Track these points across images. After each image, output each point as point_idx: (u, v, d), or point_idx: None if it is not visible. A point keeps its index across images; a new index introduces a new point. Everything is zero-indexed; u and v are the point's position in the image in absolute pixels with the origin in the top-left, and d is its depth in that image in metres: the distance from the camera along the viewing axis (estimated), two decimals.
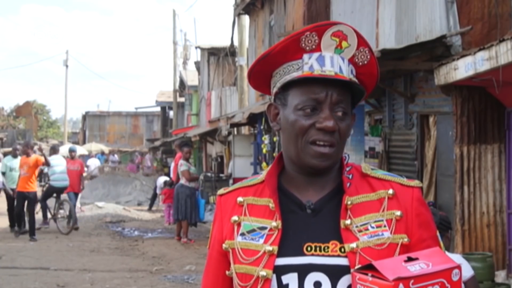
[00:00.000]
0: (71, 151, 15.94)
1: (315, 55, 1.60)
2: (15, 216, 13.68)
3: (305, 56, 1.60)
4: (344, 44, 1.61)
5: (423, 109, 8.58)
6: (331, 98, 1.56)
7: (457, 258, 3.61)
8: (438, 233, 1.64)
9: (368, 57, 1.63)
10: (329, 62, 1.59)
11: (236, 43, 19.15)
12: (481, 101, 7.04)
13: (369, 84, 1.69)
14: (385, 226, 1.56)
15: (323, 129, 1.55)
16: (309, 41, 1.60)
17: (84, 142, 47.53)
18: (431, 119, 8.46)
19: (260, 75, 1.69)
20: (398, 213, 1.57)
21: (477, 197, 7.11)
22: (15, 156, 14.20)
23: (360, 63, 1.63)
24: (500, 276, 6.79)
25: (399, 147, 9.26)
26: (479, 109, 7.05)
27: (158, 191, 18.78)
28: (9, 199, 14.10)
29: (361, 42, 1.62)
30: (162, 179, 18.11)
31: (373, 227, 1.56)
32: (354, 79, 1.61)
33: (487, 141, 7.10)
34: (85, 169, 17.08)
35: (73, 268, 9.98)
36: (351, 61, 1.62)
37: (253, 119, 14.40)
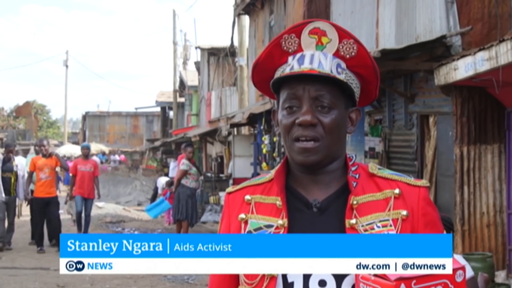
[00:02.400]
0: (84, 148, 13.44)
1: (298, 55, 1.63)
2: (37, 230, 11.58)
3: (290, 58, 1.64)
4: (324, 39, 1.62)
5: (423, 109, 8.58)
6: (309, 92, 1.58)
7: (457, 259, 3.61)
8: (445, 233, 1.64)
9: (355, 48, 1.62)
10: (308, 59, 1.60)
11: (236, 43, 19.16)
12: (481, 101, 7.04)
13: (369, 76, 1.66)
14: (391, 225, 1.56)
15: (300, 124, 1.57)
16: (290, 43, 1.63)
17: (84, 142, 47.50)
18: (431, 119, 8.46)
19: (264, 85, 1.72)
20: (404, 212, 1.58)
21: (477, 197, 7.11)
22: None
23: (348, 56, 1.62)
24: (500, 276, 6.79)
25: (399, 147, 9.26)
26: (479, 109, 7.05)
27: (160, 192, 18.67)
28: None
29: (343, 34, 1.62)
30: (163, 179, 18.04)
31: (379, 227, 1.56)
32: (335, 71, 1.59)
33: (487, 141, 7.10)
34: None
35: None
36: (338, 55, 1.62)
37: (253, 119, 14.41)
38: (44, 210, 11.40)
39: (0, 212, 11.30)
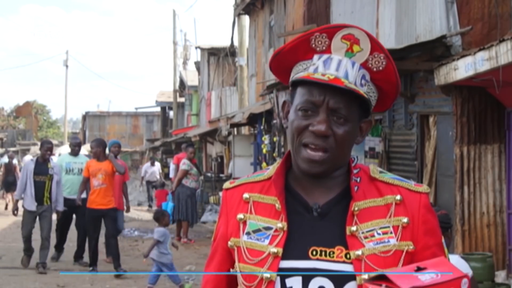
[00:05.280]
0: (115, 145, 10.94)
1: (324, 56, 1.58)
2: (90, 248, 9.56)
3: (315, 57, 1.59)
4: (355, 48, 1.58)
5: (423, 109, 8.57)
6: (327, 103, 1.54)
7: (455, 258, 3.61)
8: (443, 240, 1.64)
9: (384, 63, 1.59)
10: (335, 65, 1.57)
11: (236, 43, 19.17)
12: (481, 101, 7.04)
13: (389, 91, 1.64)
14: (391, 233, 1.55)
15: (314, 132, 1.54)
16: (319, 42, 1.59)
17: (84, 142, 47.49)
18: (431, 119, 8.46)
19: (281, 71, 1.69)
20: (405, 220, 1.56)
21: (477, 197, 7.11)
22: (75, 154, 10.44)
23: (375, 69, 1.59)
24: (500, 276, 6.79)
25: (399, 147, 9.26)
26: (479, 109, 7.05)
27: (142, 174, 18.81)
28: (62, 214, 9.88)
29: (375, 47, 1.59)
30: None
31: (379, 234, 1.55)
32: (359, 84, 1.57)
33: (487, 141, 7.10)
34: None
35: (73, 268, 9.96)
36: (365, 66, 1.59)
37: (253, 119, 14.42)
38: (99, 224, 9.48)
39: (25, 227, 9.55)
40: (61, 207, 9.63)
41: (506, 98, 6.86)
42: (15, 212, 9.99)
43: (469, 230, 7.08)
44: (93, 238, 9.49)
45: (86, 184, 9.55)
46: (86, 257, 10.18)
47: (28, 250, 9.81)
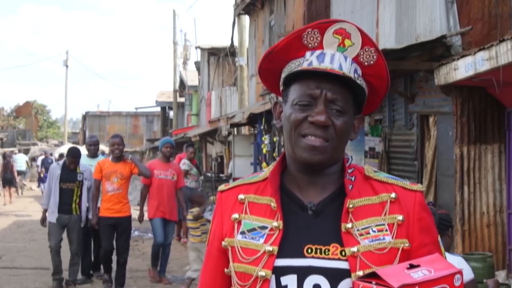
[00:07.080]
0: (167, 145, 9.49)
1: (317, 52, 1.59)
2: (102, 257, 8.60)
3: (307, 53, 1.60)
4: (347, 42, 1.59)
5: (423, 109, 8.58)
6: (325, 94, 1.55)
7: (458, 260, 3.60)
8: (439, 238, 1.63)
9: (375, 57, 1.60)
10: (329, 58, 1.57)
11: (236, 43, 19.17)
12: (481, 101, 7.04)
13: (380, 88, 1.65)
14: (386, 230, 1.55)
15: (314, 122, 1.54)
16: (311, 38, 1.60)
17: (84, 142, 47.47)
18: (431, 119, 8.46)
19: (270, 74, 1.69)
20: (400, 217, 1.56)
21: (477, 197, 7.11)
22: (92, 155, 9.15)
23: (366, 63, 1.60)
24: (500, 276, 6.79)
25: (399, 147, 9.26)
26: (479, 109, 7.05)
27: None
28: (85, 228, 8.61)
29: (366, 41, 1.60)
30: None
31: (374, 231, 1.54)
32: (353, 76, 1.58)
33: (487, 141, 7.10)
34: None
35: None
36: (356, 60, 1.60)
37: (253, 119, 14.41)
38: (112, 235, 8.38)
39: (52, 238, 8.44)
40: (91, 215, 8.48)
41: (506, 98, 6.86)
42: (44, 223, 8.65)
43: (469, 230, 7.07)
44: (108, 248, 8.39)
45: (99, 189, 8.35)
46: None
47: (57, 273, 8.53)
